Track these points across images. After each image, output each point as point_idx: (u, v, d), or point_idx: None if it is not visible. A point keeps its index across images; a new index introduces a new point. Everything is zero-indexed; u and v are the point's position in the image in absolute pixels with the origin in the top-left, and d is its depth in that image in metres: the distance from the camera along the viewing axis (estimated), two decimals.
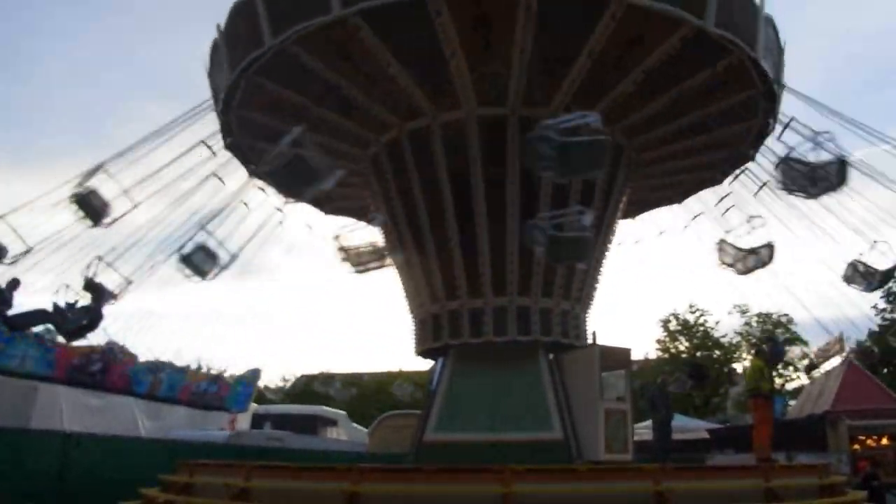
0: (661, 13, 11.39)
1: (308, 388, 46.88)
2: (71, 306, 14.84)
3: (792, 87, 14.76)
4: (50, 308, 15.10)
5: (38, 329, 18.41)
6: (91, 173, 14.35)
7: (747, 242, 16.99)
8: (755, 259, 16.86)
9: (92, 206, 14.38)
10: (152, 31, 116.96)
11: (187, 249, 14.83)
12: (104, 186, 14.57)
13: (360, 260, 16.19)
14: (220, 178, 16.22)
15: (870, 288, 16.34)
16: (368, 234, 16.43)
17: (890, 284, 35.51)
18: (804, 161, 13.10)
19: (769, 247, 16.77)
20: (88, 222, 14.51)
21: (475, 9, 11.25)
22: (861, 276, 16.10)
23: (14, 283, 15.40)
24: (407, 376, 47.09)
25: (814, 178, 12.94)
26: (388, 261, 16.38)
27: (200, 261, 14.81)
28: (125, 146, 15.27)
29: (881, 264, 16.00)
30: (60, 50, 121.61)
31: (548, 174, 11.01)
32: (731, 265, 17.31)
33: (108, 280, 15.18)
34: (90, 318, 15.00)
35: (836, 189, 13.26)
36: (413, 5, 11.10)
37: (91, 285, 14.93)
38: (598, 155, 9.72)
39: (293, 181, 10.55)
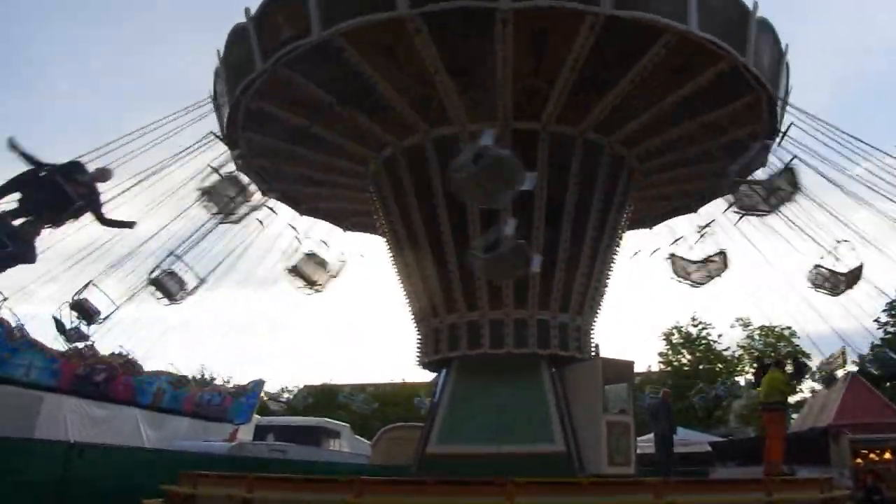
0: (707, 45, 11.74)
1: (316, 401, 46.72)
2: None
3: (793, 103, 14.82)
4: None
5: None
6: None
7: (701, 253, 16.93)
8: (709, 269, 16.81)
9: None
10: (158, 40, 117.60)
11: (156, 273, 15.19)
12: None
13: (313, 279, 16.33)
14: (220, 181, 16.29)
15: (836, 292, 16.17)
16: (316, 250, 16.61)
17: (892, 298, 35.65)
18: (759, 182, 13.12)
19: (722, 254, 16.74)
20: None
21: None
22: (826, 280, 15.99)
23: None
24: (405, 388, 47.09)
25: (770, 193, 12.89)
26: (337, 274, 16.48)
27: (168, 284, 15.21)
28: (128, 156, 15.36)
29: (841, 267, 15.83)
30: (66, 59, 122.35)
31: (475, 203, 11.15)
32: (684, 278, 17.26)
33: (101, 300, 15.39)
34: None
35: (793, 198, 13.16)
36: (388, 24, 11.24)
37: (78, 307, 15.11)
38: (509, 171, 9.39)
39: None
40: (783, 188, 12.47)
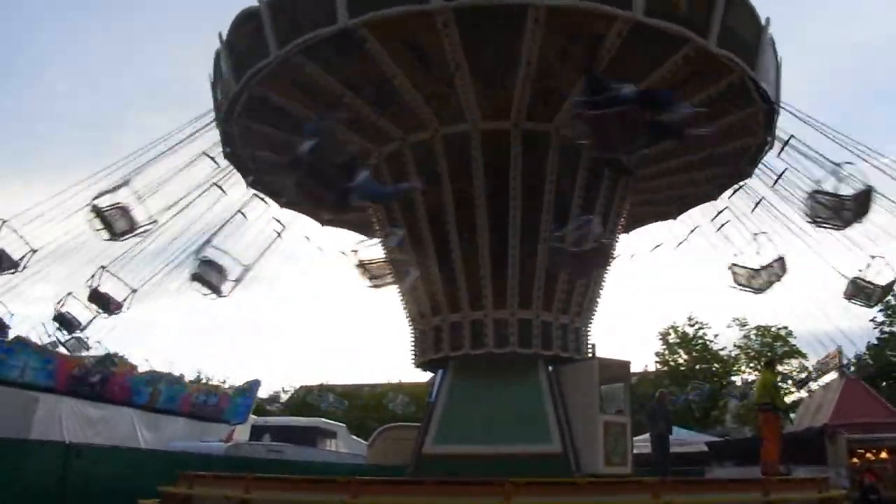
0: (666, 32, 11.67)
1: (305, 400, 46.77)
2: None
3: (790, 105, 14.86)
4: None
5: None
6: (116, 188, 14.27)
7: (757, 260, 16.99)
8: (769, 274, 16.85)
9: (112, 222, 14.35)
10: (158, 40, 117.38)
11: (195, 268, 14.90)
12: (127, 201, 14.48)
13: (377, 274, 16.31)
14: (220, 188, 16.24)
15: (871, 304, 16.45)
16: (379, 249, 16.52)
17: (889, 298, 35.74)
18: (830, 193, 13.37)
19: (781, 260, 16.79)
20: (105, 234, 14.41)
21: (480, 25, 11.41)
22: (862, 292, 16.20)
23: None
24: (402, 389, 47.02)
25: (839, 210, 13.19)
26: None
27: (210, 277, 14.93)
28: (128, 155, 15.30)
29: (880, 280, 16.14)
30: (65, 58, 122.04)
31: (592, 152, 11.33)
32: (745, 285, 17.31)
33: (112, 290, 15.26)
34: None
35: (861, 219, 13.46)
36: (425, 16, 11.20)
37: (96, 295, 15.00)
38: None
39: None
40: (852, 208, 12.89)
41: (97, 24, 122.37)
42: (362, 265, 15.70)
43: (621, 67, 11.95)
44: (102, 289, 15.25)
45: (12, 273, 14.92)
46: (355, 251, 15.61)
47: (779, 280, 16.96)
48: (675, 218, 18.71)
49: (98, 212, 14.08)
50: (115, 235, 14.41)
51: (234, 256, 15.44)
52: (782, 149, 14.95)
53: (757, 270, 16.94)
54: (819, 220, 13.95)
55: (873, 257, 16.03)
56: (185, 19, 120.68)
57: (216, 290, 15.18)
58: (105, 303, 15.17)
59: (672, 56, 12.04)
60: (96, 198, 14.08)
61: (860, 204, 13.25)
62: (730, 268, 17.47)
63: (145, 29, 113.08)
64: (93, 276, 15.07)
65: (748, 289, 17.33)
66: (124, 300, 15.47)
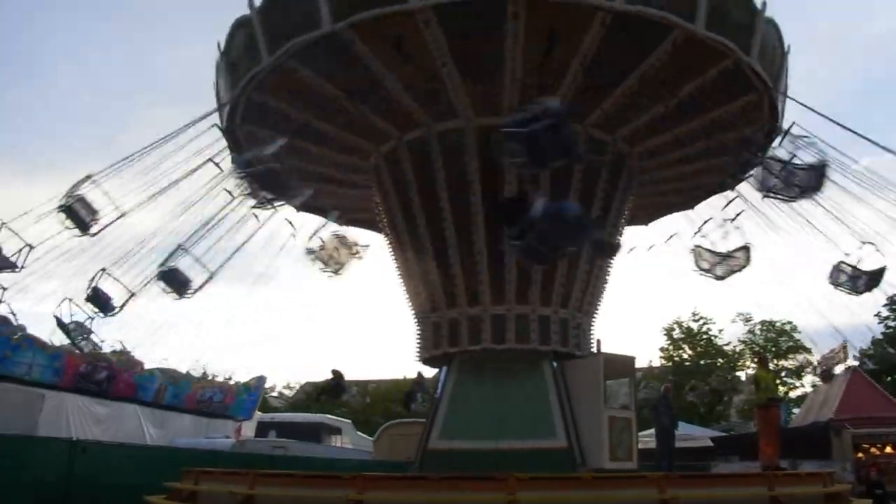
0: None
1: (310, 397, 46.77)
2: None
3: (794, 98, 14.81)
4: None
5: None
6: (79, 183, 14.21)
7: (724, 247, 16.91)
8: (731, 262, 16.81)
9: (79, 216, 14.29)
10: (163, 35, 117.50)
11: (165, 267, 15.07)
12: (92, 195, 14.42)
13: (335, 259, 16.31)
14: (230, 192, 16.23)
15: (857, 291, 16.23)
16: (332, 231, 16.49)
17: (894, 292, 35.60)
18: (783, 162, 13.28)
19: (745, 249, 16.73)
20: (76, 231, 14.39)
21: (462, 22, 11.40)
22: (848, 277, 16.02)
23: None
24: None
25: (790, 182, 13.05)
26: (356, 251, 16.41)
27: (175, 280, 15.11)
28: (132, 152, 15.27)
29: (867, 266, 15.90)
30: (69, 55, 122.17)
31: (523, 169, 11.02)
32: (707, 270, 17.27)
33: (111, 291, 15.26)
34: None
35: (814, 194, 13.33)
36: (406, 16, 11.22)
37: (95, 296, 14.99)
38: (567, 138, 9.56)
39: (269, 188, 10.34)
40: (806, 184, 12.77)
41: (103, 18, 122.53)
42: (318, 257, 15.77)
43: (607, 59, 12.11)
44: (101, 289, 15.24)
45: (12, 272, 14.81)
46: (313, 247, 15.74)
47: (741, 270, 16.87)
48: (692, 208, 18.54)
49: (66, 210, 14.08)
50: (85, 230, 14.44)
51: (201, 261, 15.62)
52: (783, 138, 14.89)
53: (721, 256, 16.85)
54: (769, 190, 13.82)
55: (864, 244, 15.74)
56: (189, 14, 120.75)
57: (179, 293, 15.40)
58: (103, 303, 15.17)
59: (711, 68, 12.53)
60: (64, 197, 14.09)
61: (814, 176, 13.13)
62: (693, 250, 17.38)
63: (153, 23, 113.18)
64: (93, 278, 15.05)
65: (708, 274, 17.25)
66: (124, 303, 15.46)
